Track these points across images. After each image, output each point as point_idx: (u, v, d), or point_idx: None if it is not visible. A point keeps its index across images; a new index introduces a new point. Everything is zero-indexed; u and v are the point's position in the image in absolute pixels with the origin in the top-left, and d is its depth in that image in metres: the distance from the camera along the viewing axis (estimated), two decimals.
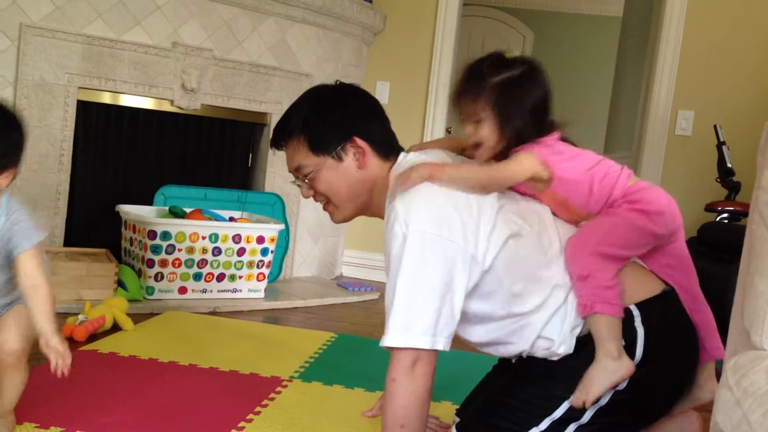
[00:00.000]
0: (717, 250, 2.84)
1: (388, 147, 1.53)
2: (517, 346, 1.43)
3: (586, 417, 1.36)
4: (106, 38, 3.04)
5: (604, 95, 6.02)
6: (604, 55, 6.67)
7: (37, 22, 2.88)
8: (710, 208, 3.18)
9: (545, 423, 1.36)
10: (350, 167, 1.49)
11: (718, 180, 3.26)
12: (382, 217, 1.50)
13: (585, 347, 1.38)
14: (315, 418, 1.81)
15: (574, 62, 7.12)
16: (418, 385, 1.33)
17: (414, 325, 1.32)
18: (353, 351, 2.46)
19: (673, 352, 1.41)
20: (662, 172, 3.75)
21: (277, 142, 1.54)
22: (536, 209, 1.47)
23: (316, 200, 1.56)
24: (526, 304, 1.40)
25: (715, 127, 3.31)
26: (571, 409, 1.36)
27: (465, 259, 1.34)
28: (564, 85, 7.17)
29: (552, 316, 1.39)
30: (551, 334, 1.40)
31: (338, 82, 1.58)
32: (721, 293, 2.43)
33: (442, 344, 1.34)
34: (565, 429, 1.36)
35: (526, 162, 1.41)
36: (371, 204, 1.54)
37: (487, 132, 1.41)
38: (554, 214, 1.49)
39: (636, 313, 1.39)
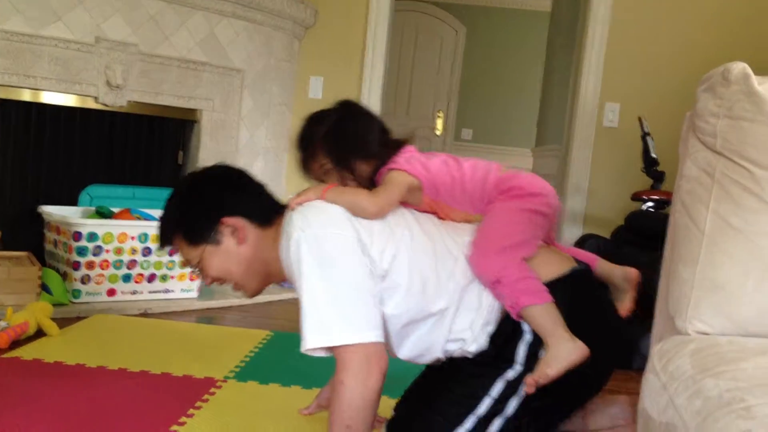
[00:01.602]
0: (643, 237, 2.93)
1: (265, 213, 1.55)
2: (435, 351, 1.44)
3: (511, 409, 1.37)
4: (24, 33, 2.92)
5: (536, 89, 6.13)
6: (536, 49, 6.79)
7: None
8: (636, 197, 3.27)
9: (470, 421, 1.37)
10: (230, 247, 1.52)
11: (644, 170, 3.35)
12: (286, 279, 1.50)
13: (499, 341, 1.39)
14: (251, 417, 1.78)
15: (507, 57, 7.23)
16: (368, 387, 1.30)
17: (353, 319, 1.32)
18: (289, 349, 2.43)
19: (589, 329, 1.41)
20: (591, 163, 3.84)
21: (162, 244, 1.58)
22: (423, 218, 1.50)
23: (219, 284, 1.58)
24: (432, 306, 1.40)
25: (639, 118, 3.40)
26: (494, 404, 1.36)
27: (363, 250, 1.37)
28: (496, 80, 7.28)
29: (459, 317, 1.41)
30: (461, 334, 1.41)
31: (201, 168, 1.61)
32: (648, 280, 2.50)
33: (381, 335, 1.34)
34: (490, 424, 1.37)
35: (397, 178, 1.47)
36: (271, 271, 1.55)
37: (337, 178, 1.52)
38: (443, 219, 1.54)
39: None
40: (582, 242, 3.10)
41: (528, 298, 1.36)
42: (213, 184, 1.56)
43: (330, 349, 1.33)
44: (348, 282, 1.34)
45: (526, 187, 1.48)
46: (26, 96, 3.03)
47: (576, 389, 1.44)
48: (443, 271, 1.42)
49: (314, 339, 1.32)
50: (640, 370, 1.29)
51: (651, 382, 1.11)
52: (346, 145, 1.51)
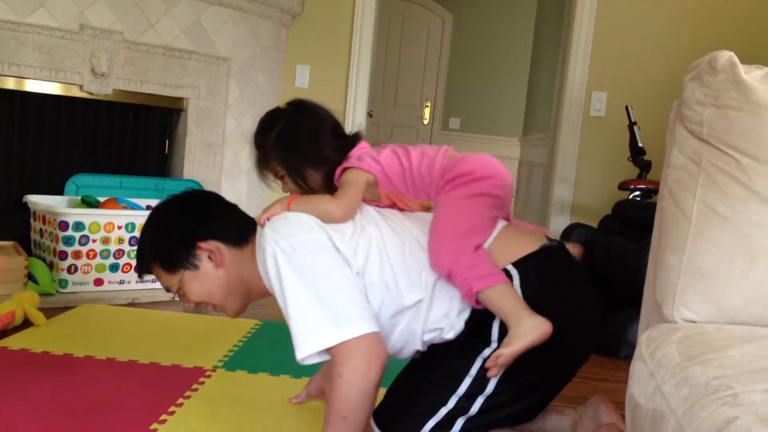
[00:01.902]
0: (630, 226, 2.94)
1: (239, 233, 1.56)
2: (414, 342, 1.45)
3: (491, 387, 1.37)
4: (7, 21, 2.88)
5: (523, 78, 6.14)
6: (523, 38, 6.80)
7: None
8: (623, 186, 3.28)
9: (452, 401, 1.38)
10: (208, 270, 1.53)
11: (630, 159, 3.37)
12: (269, 295, 1.51)
13: (474, 321, 1.40)
14: (240, 407, 1.78)
15: (494, 46, 7.23)
16: (367, 378, 1.30)
17: (339, 318, 1.32)
18: (278, 338, 2.43)
19: (563, 305, 1.42)
20: (578, 152, 3.85)
21: (140, 273, 1.59)
22: (388, 214, 1.52)
23: (203, 308, 1.60)
24: (407, 299, 1.41)
25: (626, 107, 3.41)
26: (474, 382, 1.37)
27: (334, 248, 1.39)
28: (483, 69, 7.28)
29: (434, 307, 1.42)
30: (438, 323, 1.42)
31: (170, 196, 1.62)
32: (635, 269, 2.52)
33: (373, 323, 1.34)
34: (473, 403, 1.37)
35: (354, 177, 1.49)
36: (251, 290, 1.57)
37: (292, 182, 1.53)
38: (402, 209, 1.55)
39: (513, 272, 1.41)
40: (569, 231, 3.11)
41: (480, 283, 1.36)
42: (185, 211, 1.58)
43: (325, 351, 1.33)
44: (329, 281, 1.35)
45: (473, 171, 1.47)
46: (10, 84, 2.99)
47: (557, 364, 1.44)
48: (413, 264, 1.43)
49: (306, 346, 1.32)
50: (628, 358, 1.30)
51: (638, 369, 1.12)
52: (296, 156, 1.51)
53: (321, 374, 1.79)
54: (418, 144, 1.63)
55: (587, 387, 2.16)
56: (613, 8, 3.80)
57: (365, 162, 1.51)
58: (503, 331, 1.37)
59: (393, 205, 1.56)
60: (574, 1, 3.84)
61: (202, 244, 1.51)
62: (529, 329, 1.33)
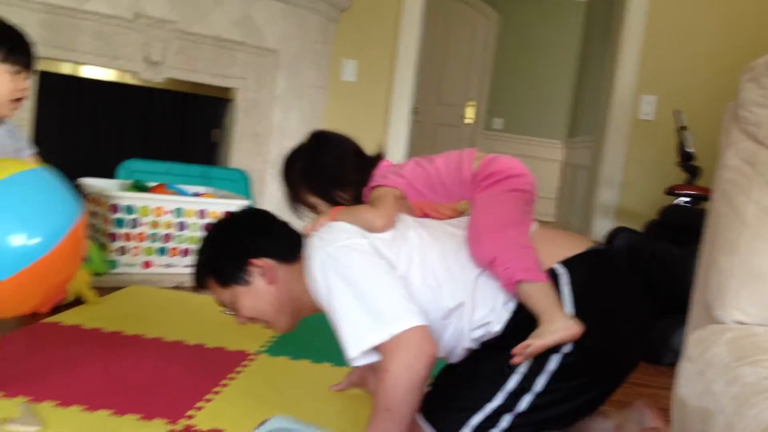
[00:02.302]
0: (677, 232, 2.91)
1: (290, 250, 1.60)
2: (464, 341, 1.46)
3: (539, 385, 1.37)
4: (66, 7, 2.96)
5: (569, 79, 6.09)
6: (570, 39, 6.74)
7: None
8: (671, 191, 3.25)
9: (499, 397, 1.38)
10: (260, 286, 1.57)
11: (679, 164, 3.33)
12: (319, 311, 1.56)
13: (523, 316, 1.40)
14: (283, 390, 1.81)
15: (540, 46, 7.19)
16: (414, 371, 1.32)
17: (385, 314, 1.34)
18: (319, 327, 2.44)
19: (612, 306, 1.42)
20: (625, 155, 3.81)
21: (197, 287, 1.66)
22: (424, 221, 1.57)
23: (253, 323, 1.65)
24: (450, 302, 1.43)
25: (675, 111, 3.37)
26: (523, 380, 1.38)
27: (377, 253, 1.43)
28: (529, 69, 7.24)
29: (478, 305, 1.43)
30: (484, 319, 1.44)
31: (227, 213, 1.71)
32: (681, 275, 2.49)
33: (420, 318, 1.36)
34: (519, 400, 1.38)
35: (382, 192, 1.56)
36: (302, 306, 1.61)
37: (325, 208, 1.62)
38: (436, 217, 1.60)
39: (561, 271, 1.42)
40: (613, 235, 3.09)
41: (523, 274, 1.38)
42: (239, 229, 1.64)
43: (373, 351, 1.36)
44: (372, 282, 1.38)
45: (505, 170, 1.53)
46: (67, 69, 3.08)
47: (607, 366, 1.44)
48: (455, 264, 1.46)
49: (355, 346, 1.35)
50: (672, 365, 1.30)
51: (687, 369, 1.12)
52: (324, 181, 1.63)
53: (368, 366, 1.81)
54: (460, 146, 1.68)
55: (629, 392, 2.14)
56: (665, 9, 3.76)
57: (389, 179, 1.59)
58: None
59: (426, 216, 1.61)
60: (626, 3, 3.81)
61: (255, 261, 1.56)
62: (560, 327, 1.35)
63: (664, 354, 2.49)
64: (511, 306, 1.43)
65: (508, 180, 1.52)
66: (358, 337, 1.35)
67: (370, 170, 1.63)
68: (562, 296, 1.40)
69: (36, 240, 1.31)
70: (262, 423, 1.41)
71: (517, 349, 1.36)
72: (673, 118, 3.38)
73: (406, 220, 1.54)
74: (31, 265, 1.31)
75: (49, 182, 1.43)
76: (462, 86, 7.37)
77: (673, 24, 3.76)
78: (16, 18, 2.81)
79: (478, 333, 1.45)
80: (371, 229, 1.47)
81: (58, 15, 2.94)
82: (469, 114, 7.36)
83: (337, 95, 4.19)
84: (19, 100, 1.47)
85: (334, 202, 1.62)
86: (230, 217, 1.69)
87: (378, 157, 1.67)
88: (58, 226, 1.35)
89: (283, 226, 1.66)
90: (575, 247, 1.47)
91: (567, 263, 1.43)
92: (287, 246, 1.61)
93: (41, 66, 2.96)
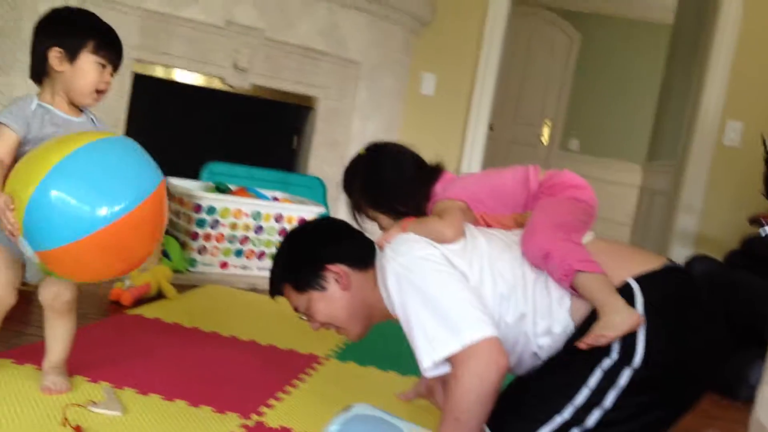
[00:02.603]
0: (760, 263, 2.82)
1: (363, 257, 1.63)
2: (530, 347, 1.46)
3: (610, 401, 1.35)
4: (162, 13, 3.09)
5: (650, 101, 5.97)
6: (652, 60, 6.61)
7: None
8: (755, 220, 3.15)
9: (568, 411, 1.37)
10: (335, 292, 1.61)
11: (764, 193, 3.22)
12: (391, 318, 1.59)
13: (585, 327, 1.38)
14: (350, 395, 1.84)
15: (622, 67, 7.06)
16: (484, 381, 1.33)
17: (459, 324, 1.36)
18: (388, 335, 2.46)
19: (686, 327, 1.39)
20: (707, 182, 3.72)
21: (272, 293, 1.71)
22: (488, 231, 1.58)
23: (326, 328, 1.68)
24: (521, 308, 1.44)
25: (763, 138, 3.27)
26: (592, 394, 1.36)
27: (449, 263, 1.45)
28: (608, 90, 7.12)
29: (537, 307, 1.44)
30: (544, 321, 1.43)
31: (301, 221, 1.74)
32: (761, 307, 2.42)
33: (493, 328, 1.36)
34: (588, 415, 1.36)
35: (446, 204, 1.59)
36: (374, 313, 1.63)
37: (387, 221, 1.68)
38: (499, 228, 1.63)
39: (635, 286, 1.40)
40: (692, 263, 3.01)
41: (581, 264, 1.38)
42: (316, 236, 1.70)
43: (445, 362, 1.37)
44: (446, 291, 1.40)
45: (567, 181, 1.58)
46: (159, 72, 3.21)
47: (678, 387, 1.41)
48: (522, 273, 1.46)
49: (427, 358, 1.37)
50: (748, 400, 1.27)
51: (766, 393, 1.10)
52: (384, 196, 1.67)
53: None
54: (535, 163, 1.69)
55: (701, 422, 2.09)
56: (756, 33, 3.65)
57: (451, 191, 1.63)
58: (625, 342, 1.35)
59: (488, 226, 1.63)
60: (715, 26, 3.72)
61: (330, 267, 1.60)
62: (624, 319, 1.33)
63: (739, 388, 2.40)
64: (566, 304, 1.43)
65: (570, 189, 1.56)
66: (432, 348, 1.36)
67: (432, 183, 1.67)
68: (637, 309, 1.36)
69: (116, 204, 1.37)
70: (347, 409, 1.43)
71: (588, 339, 1.34)
72: (763, 146, 3.28)
73: (474, 230, 1.56)
74: (109, 226, 1.36)
75: (130, 150, 1.50)
76: (539, 105, 7.31)
77: (764, 48, 3.65)
78: (116, 22, 2.94)
79: (544, 340, 1.45)
80: (442, 239, 1.50)
81: (155, 21, 3.07)
82: (546, 133, 7.29)
83: (415, 108, 4.23)
84: (101, 92, 1.55)
85: (396, 215, 1.66)
86: (306, 225, 1.76)
87: (438, 169, 1.70)
88: (138, 191, 1.41)
89: (357, 234, 1.70)
90: (649, 262, 1.45)
91: (641, 280, 1.41)
92: (361, 253, 1.64)
93: (136, 68, 3.10)
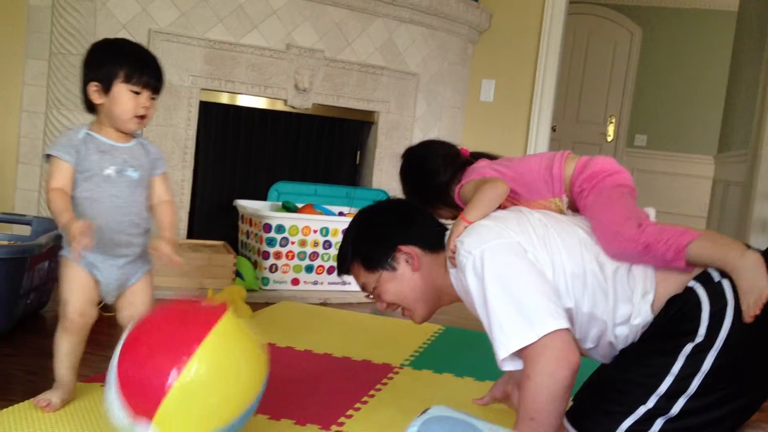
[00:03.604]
0: None
1: (434, 240, 1.64)
2: (607, 336, 1.46)
3: (693, 387, 1.33)
4: (226, 42, 3.21)
5: (717, 92, 5.80)
6: (717, 50, 6.43)
7: (164, 27, 3.08)
8: None
9: (652, 400, 1.35)
10: (405, 273, 1.63)
11: None
12: (458, 301, 1.63)
13: (674, 316, 1.37)
14: (427, 402, 1.83)
15: (686, 59, 6.89)
16: (555, 379, 1.32)
17: (533, 316, 1.35)
18: (461, 342, 2.50)
19: None
20: None
21: (341, 271, 1.73)
22: (555, 217, 1.56)
23: (392, 310, 1.69)
24: (594, 297, 1.44)
25: None
26: (675, 382, 1.34)
27: (522, 248, 1.44)
28: (674, 83, 6.95)
29: (618, 297, 1.43)
30: (624, 311, 1.43)
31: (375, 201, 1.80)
32: None
33: (566, 320, 1.36)
34: (674, 403, 1.34)
35: (477, 181, 1.63)
36: (442, 296, 1.65)
37: (445, 212, 1.77)
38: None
39: (715, 273, 1.37)
40: None
41: (684, 238, 1.36)
42: (388, 216, 1.71)
43: (519, 357, 1.38)
44: (521, 282, 1.39)
45: (604, 169, 1.58)
46: (225, 99, 3.32)
47: (759, 371, 1.37)
48: (595, 261, 1.45)
49: (503, 348, 1.37)
50: None
51: None
52: (427, 191, 1.76)
53: (506, 377, 1.82)
54: None
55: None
56: None
57: (479, 173, 1.66)
58: (712, 324, 1.33)
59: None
60: None
61: (402, 248, 1.62)
62: (756, 278, 1.30)
63: None
64: (650, 298, 1.41)
65: (611, 177, 1.56)
66: (508, 339, 1.36)
67: (464, 165, 1.73)
68: (726, 298, 1.34)
69: None
70: (424, 411, 1.45)
71: (751, 312, 1.30)
72: None
73: (534, 215, 1.54)
74: None
75: None
76: (602, 103, 7.19)
77: None
78: (182, 53, 3.08)
79: (621, 329, 1.44)
80: (502, 196, 1.54)
81: (219, 50, 3.18)
82: (610, 131, 7.16)
83: (475, 115, 4.23)
84: (143, 117, 1.60)
85: (447, 209, 1.75)
86: (377, 205, 1.75)
87: (475, 154, 1.77)
88: None
89: (428, 216, 1.72)
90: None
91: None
92: (432, 235, 1.65)
93: (203, 96, 3.21)
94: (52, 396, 1.59)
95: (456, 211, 1.73)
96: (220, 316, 1.30)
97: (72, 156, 1.55)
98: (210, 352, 1.24)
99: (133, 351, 1.26)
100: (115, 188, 1.59)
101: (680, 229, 1.40)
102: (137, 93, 1.58)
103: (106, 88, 1.57)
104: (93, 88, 1.58)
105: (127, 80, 1.57)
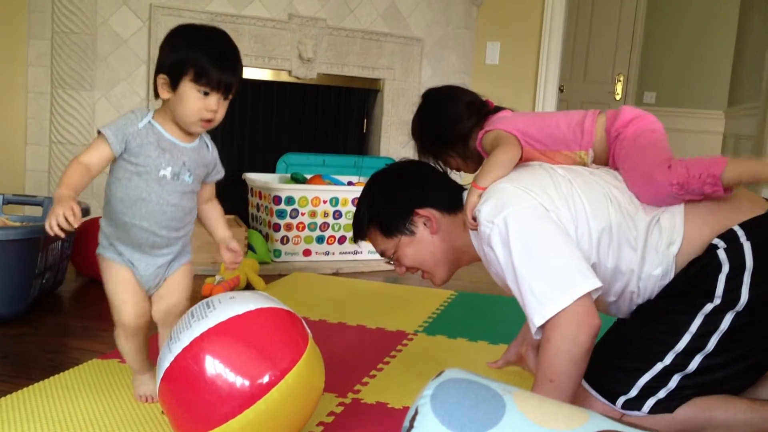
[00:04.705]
0: None
1: (452, 201, 1.61)
2: (631, 286, 1.45)
3: (711, 345, 1.34)
4: (227, 14, 3.18)
5: (726, 46, 5.72)
6: (725, 3, 6.32)
7: (165, 2, 3.05)
8: None
9: (669, 357, 1.36)
10: (424, 236, 1.60)
11: None
12: (477, 259, 1.60)
13: (694, 274, 1.37)
14: (442, 366, 1.84)
15: (694, 13, 6.78)
16: (576, 343, 1.32)
17: (565, 280, 1.34)
18: (474, 307, 2.51)
19: None
20: None
21: (357, 237, 1.69)
22: (577, 171, 1.53)
23: (412, 273, 1.67)
24: (619, 252, 1.43)
25: None
26: (693, 339, 1.35)
27: (546, 210, 1.42)
28: (682, 38, 6.85)
29: (648, 254, 1.42)
30: (651, 267, 1.42)
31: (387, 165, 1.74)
32: None
33: (594, 281, 1.35)
34: (691, 360, 1.35)
35: (495, 133, 1.58)
36: (462, 256, 1.63)
37: (456, 162, 1.73)
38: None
39: (740, 233, 1.37)
40: None
41: (716, 167, 1.35)
42: (403, 179, 1.66)
43: None
44: (551, 247, 1.37)
45: (635, 116, 1.54)
46: None
47: None
48: (623, 214, 1.43)
49: (538, 317, 1.35)
50: None
51: None
52: (443, 140, 1.69)
53: (519, 340, 1.83)
54: None
55: None
56: None
57: (500, 124, 1.61)
58: (730, 286, 1.33)
59: (554, 162, 1.59)
60: None
61: (420, 211, 1.59)
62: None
63: None
64: (675, 249, 1.40)
65: (641, 120, 1.52)
66: (543, 305, 1.34)
67: (485, 114, 1.68)
68: (744, 252, 1.34)
69: None
70: (439, 374, 1.46)
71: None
72: None
73: (557, 171, 1.51)
74: None
75: None
76: (609, 61, 7.10)
77: None
78: None
79: (645, 282, 1.43)
80: (513, 158, 1.50)
81: (221, 22, 3.16)
82: (619, 89, 7.09)
83: (481, 79, 4.20)
84: (208, 121, 1.43)
85: (461, 157, 1.70)
86: (391, 168, 1.70)
87: (492, 105, 1.72)
88: None
89: (444, 176, 1.68)
90: (750, 208, 1.41)
91: (747, 226, 1.38)
92: (450, 197, 1.62)
93: None
94: (146, 388, 1.57)
95: (465, 162, 1.71)
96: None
97: (119, 146, 1.40)
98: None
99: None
100: (167, 191, 1.46)
101: (704, 160, 1.38)
102: (206, 94, 1.40)
103: (173, 85, 1.41)
104: (161, 80, 1.43)
105: (197, 79, 1.38)
